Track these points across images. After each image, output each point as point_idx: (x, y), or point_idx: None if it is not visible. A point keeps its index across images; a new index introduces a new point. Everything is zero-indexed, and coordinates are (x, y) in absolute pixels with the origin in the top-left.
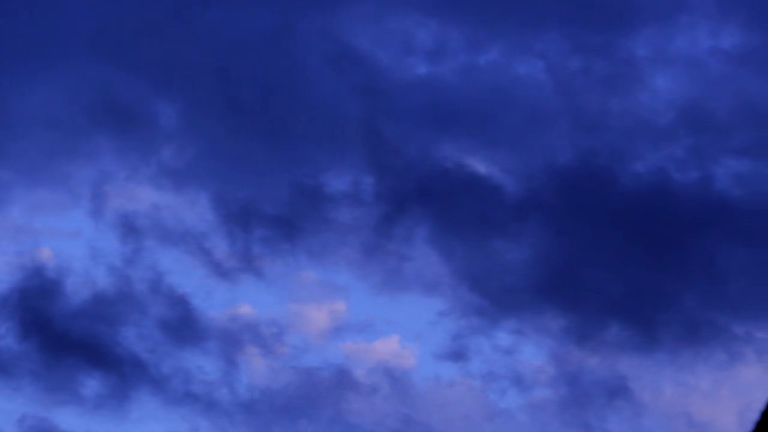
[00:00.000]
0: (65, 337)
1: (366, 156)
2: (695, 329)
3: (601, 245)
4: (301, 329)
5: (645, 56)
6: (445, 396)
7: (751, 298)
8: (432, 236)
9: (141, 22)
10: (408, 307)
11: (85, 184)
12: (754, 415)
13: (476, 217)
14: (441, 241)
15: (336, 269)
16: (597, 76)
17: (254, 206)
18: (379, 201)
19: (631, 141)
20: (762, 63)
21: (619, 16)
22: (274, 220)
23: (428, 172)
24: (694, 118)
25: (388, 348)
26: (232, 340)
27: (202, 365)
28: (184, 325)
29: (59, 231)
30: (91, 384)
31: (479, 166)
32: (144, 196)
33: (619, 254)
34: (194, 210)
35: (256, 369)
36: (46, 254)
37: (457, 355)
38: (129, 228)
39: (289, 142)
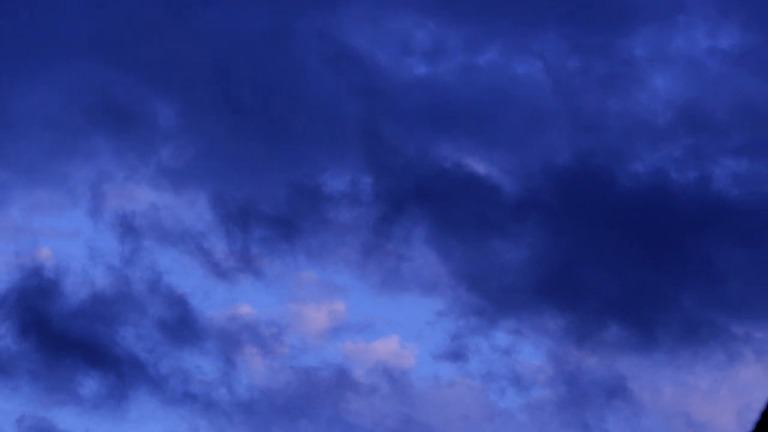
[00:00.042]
0: (64, 337)
1: (364, 156)
2: (694, 329)
3: (599, 245)
4: (300, 329)
5: (643, 56)
6: (444, 396)
7: (750, 298)
8: (430, 236)
9: (140, 23)
10: (407, 307)
11: (83, 184)
12: (753, 415)
13: (475, 217)
14: (439, 241)
15: (335, 269)
16: (595, 76)
17: (253, 206)
18: (378, 201)
19: (630, 141)
20: (760, 63)
21: (618, 16)
22: (273, 220)
23: (427, 172)
24: (693, 118)
25: (387, 348)
26: (230, 340)
27: (200, 365)
28: (182, 325)
29: (58, 231)
30: (90, 384)
31: (478, 166)
32: (142, 196)
33: (618, 254)
34: (193, 210)
35: (255, 369)
36: (44, 254)
37: (456, 355)
38: (127, 228)
39: (287, 142)
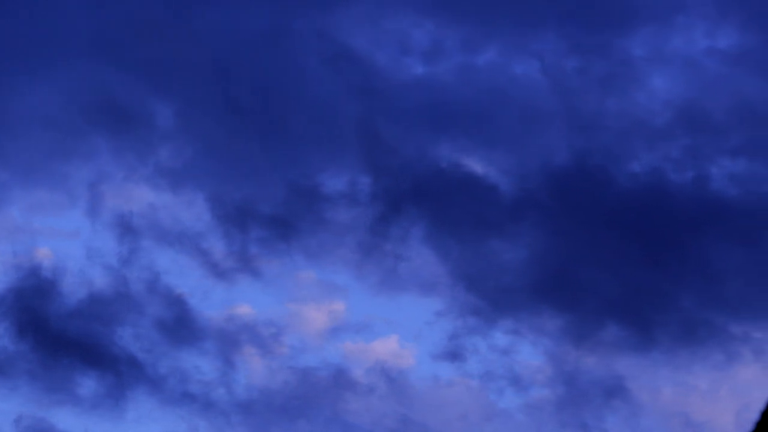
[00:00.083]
0: (62, 337)
1: (362, 156)
2: (692, 329)
3: (597, 245)
4: (299, 329)
5: (642, 56)
6: (443, 396)
7: (748, 297)
8: (428, 236)
9: (138, 23)
10: (405, 307)
11: (82, 185)
12: (751, 415)
13: (473, 217)
14: (437, 241)
15: (333, 269)
16: (593, 76)
17: (251, 206)
18: (376, 201)
19: (628, 141)
20: (758, 63)
21: (616, 16)
22: (271, 220)
23: (425, 172)
24: (691, 118)
25: (386, 348)
26: (229, 340)
27: (199, 365)
28: (180, 325)
29: (56, 231)
30: (88, 384)
31: (476, 166)
32: (141, 197)
33: (616, 254)
34: (191, 210)
35: (254, 369)
36: (43, 254)
37: (454, 355)
38: (126, 228)
39: (285, 142)
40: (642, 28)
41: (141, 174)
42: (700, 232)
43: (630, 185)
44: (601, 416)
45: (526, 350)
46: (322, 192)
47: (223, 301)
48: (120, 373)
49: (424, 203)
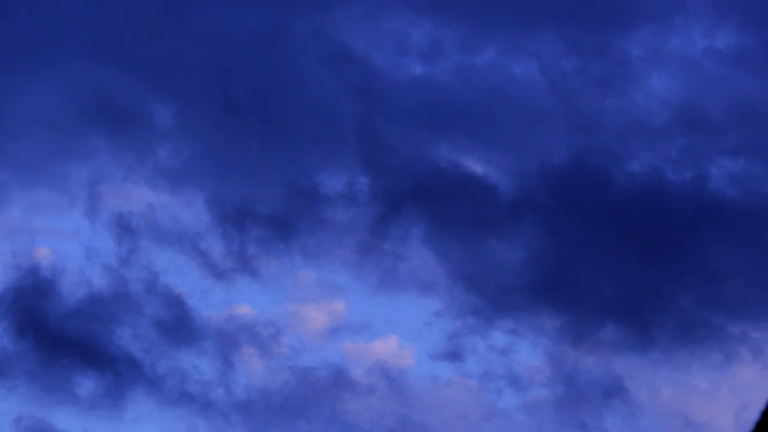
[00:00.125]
0: (61, 337)
1: (361, 156)
2: (691, 329)
3: (596, 245)
4: (298, 329)
5: (640, 56)
6: (442, 396)
7: (747, 297)
8: (427, 236)
9: (137, 23)
10: (404, 308)
11: (81, 185)
12: (750, 415)
13: (471, 217)
14: (436, 241)
15: (332, 269)
16: (592, 76)
17: (249, 206)
18: (375, 201)
19: (626, 141)
20: (756, 63)
21: (615, 16)
22: (270, 220)
23: (423, 172)
24: (689, 118)
25: (386, 348)
26: (227, 341)
27: (197, 365)
28: (179, 325)
29: (55, 231)
30: (87, 384)
31: (474, 166)
32: (139, 197)
33: (614, 254)
34: (190, 210)
35: (253, 369)
36: (41, 254)
37: (453, 355)
38: (124, 228)
39: (284, 142)
40: (641, 28)
41: (140, 174)
42: (699, 232)
43: (629, 185)
44: (600, 416)
45: (525, 350)
46: (321, 192)
47: (222, 301)
48: (119, 373)
49: (424, 203)
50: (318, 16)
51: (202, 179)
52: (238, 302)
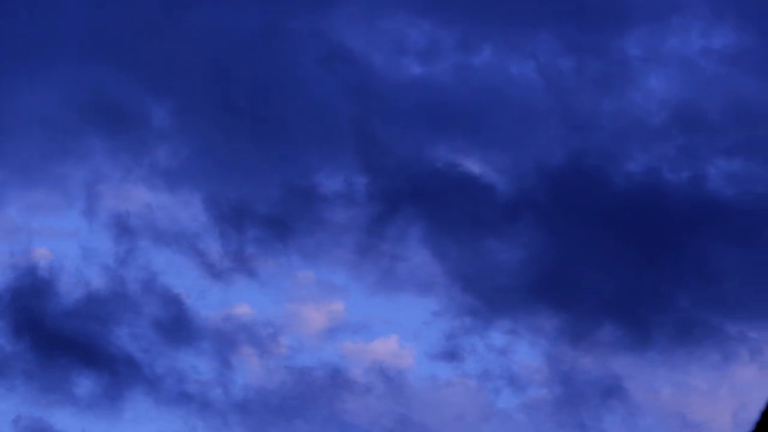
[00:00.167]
0: (59, 337)
1: (358, 156)
2: (689, 329)
3: (593, 245)
4: (297, 329)
5: (637, 56)
6: (440, 396)
7: (745, 297)
8: (425, 236)
9: (134, 23)
10: (402, 308)
11: (79, 185)
12: (749, 415)
13: (469, 217)
14: (434, 241)
15: (329, 269)
16: (589, 76)
17: (247, 206)
18: (372, 201)
19: (624, 141)
20: (754, 63)
21: (612, 16)
22: (267, 220)
23: (421, 172)
24: (687, 118)
25: (386, 348)
26: (225, 340)
27: (196, 365)
28: (177, 325)
29: (53, 231)
30: (85, 383)
31: (472, 166)
32: (137, 197)
33: (612, 254)
34: (187, 210)
35: (251, 369)
36: (39, 254)
37: (451, 355)
38: (122, 228)
39: (281, 142)
40: (638, 28)
41: (137, 174)
42: (697, 231)
43: (626, 185)
44: (599, 416)
45: (524, 350)
46: (319, 192)
47: (219, 301)
48: (117, 373)
49: (421, 203)
50: (315, 16)
51: (200, 179)
52: (236, 302)
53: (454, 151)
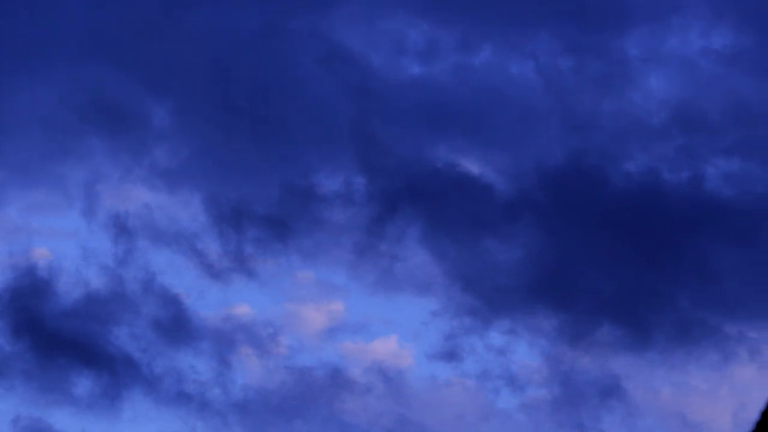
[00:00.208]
0: (58, 337)
1: (358, 156)
2: (687, 329)
3: (592, 245)
4: (296, 329)
5: (637, 56)
6: (440, 396)
7: (744, 297)
8: (424, 236)
9: (133, 23)
10: (401, 308)
11: (78, 185)
12: (748, 415)
13: (468, 217)
14: (433, 241)
15: (329, 269)
16: (589, 76)
17: (246, 206)
18: (371, 201)
19: (623, 141)
20: (753, 63)
21: (612, 16)
22: (266, 220)
23: (420, 172)
24: (686, 118)
25: (386, 348)
26: (224, 340)
27: (194, 365)
28: (176, 325)
29: (52, 231)
30: (84, 383)
31: (471, 166)
32: (137, 197)
33: (611, 254)
34: (187, 210)
35: (250, 369)
36: (38, 254)
37: (451, 355)
38: (122, 228)
39: (281, 142)
40: (637, 28)
41: (137, 174)
42: (696, 231)
43: (625, 185)
44: (598, 416)
45: (523, 350)
46: (318, 192)
47: (218, 301)
48: (116, 373)
49: (420, 203)
50: (315, 16)
51: (199, 179)
52: (236, 302)
53: (454, 151)
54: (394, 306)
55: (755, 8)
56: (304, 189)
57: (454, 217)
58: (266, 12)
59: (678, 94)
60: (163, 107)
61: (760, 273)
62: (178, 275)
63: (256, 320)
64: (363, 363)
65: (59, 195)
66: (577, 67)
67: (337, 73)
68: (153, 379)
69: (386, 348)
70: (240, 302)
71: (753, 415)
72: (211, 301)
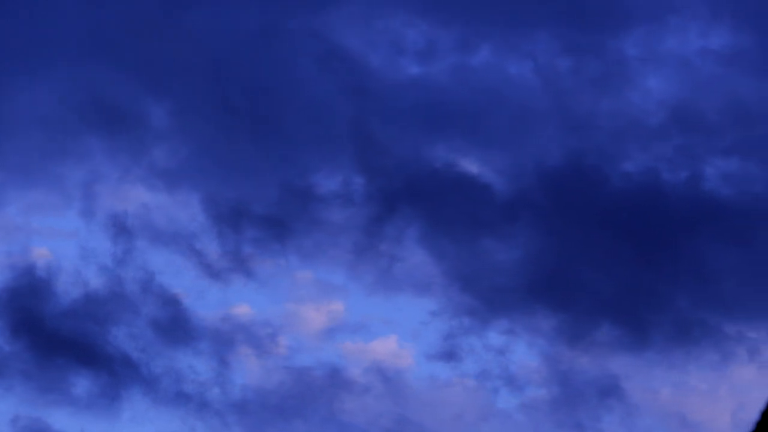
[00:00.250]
0: (56, 337)
1: (356, 156)
2: (687, 329)
3: (591, 245)
4: (295, 329)
5: (635, 56)
6: (439, 396)
7: (742, 297)
8: (423, 236)
9: (131, 23)
10: (401, 308)
11: (76, 185)
12: (748, 415)
13: (467, 217)
14: (432, 241)
15: (327, 269)
16: (587, 76)
17: (245, 206)
18: (370, 201)
19: (621, 141)
20: (751, 63)
21: (610, 16)
22: (265, 220)
23: (418, 172)
24: (684, 118)
25: (385, 348)
26: (223, 340)
27: (193, 365)
28: (175, 325)
29: (51, 231)
30: (83, 383)
31: (469, 166)
32: (135, 197)
33: (609, 254)
34: (185, 210)
35: (249, 369)
36: (37, 254)
37: (450, 355)
38: (120, 228)
39: (279, 142)
40: (635, 28)
41: (135, 174)
42: (694, 231)
43: (623, 185)
44: (597, 416)
45: (521, 350)
46: (316, 192)
47: (217, 301)
48: (115, 373)
49: (419, 203)
50: (313, 15)
51: (198, 179)
52: (234, 302)
53: (452, 151)
54: (394, 306)
55: (753, 8)
56: (303, 189)
57: (452, 217)
58: (265, 12)
59: (676, 94)
60: (162, 107)
61: (759, 273)
62: (177, 275)
63: (255, 320)
64: (362, 363)
65: (58, 195)
66: (576, 67)
67: (336, 73)
68: (152, 379)
69: (386, 348)
70: (239, 302)
71: (752, 414)
72: (210, 301)
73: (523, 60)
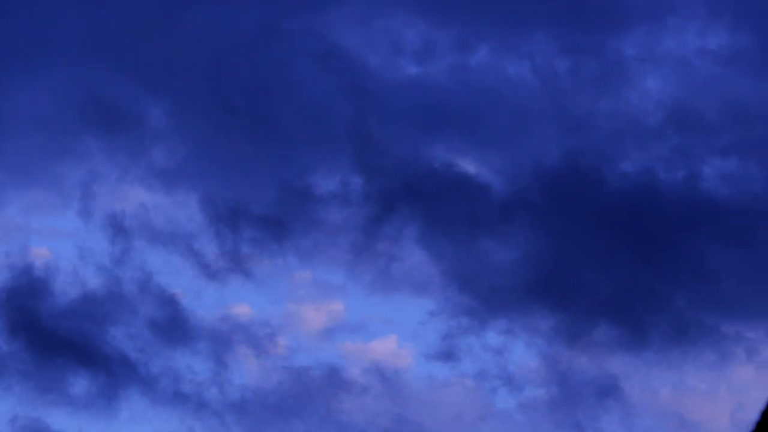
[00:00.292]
0: (54, 337)
1: (354, 156)
2: (685, 329)
3: (589, 245)
4: (294, 330)
5: (633, 56)
6: (437, 396)
7: (741, 297)
8: (421, 236)
9: (131, 23)
10: (399, 308)
11: (75, 185)
12: (746, 415)
13: (465, 217)
14: (430, 241)
15: (326, 270)
16: (585, 76)
17: (243, 206)
18: (368, 201)
19: (619, 141)
20: (749, 63)
21: (608, 16)
22: (263, 220)
23: (417, 172)
24: (682, 118)
25: (385, 348)
26: (222, 340)
27: (191, 365)
28: (173, 325)
29: (50, 231)
30: (81, 383)
31: (468, 166)
32: (133, 197)
33: (608, 254)
34: (183, 210)
35: (247, 369)
36: (35, 254)
37: (448, 355)
38: (118, 228)
39: (277, 142)
40: (634, 28)
41: (134, 174)
42: (692, 231)
43: (622, 185)
44: (596, 416)
45: (520, 350)
46: (315, 192)
47: (215, 302)
48: (113, 373)
49: (417, 203)
50: (311, 15)
51: (196, 179)
52: (233, 302)
53: (451, 151)
54: (392, 306)
55: (752, 9)
56: (301, 189)
57: (451, 217)
58: (264, 12)
59: (674, 94)
60: (160, 107)
61: (757, 273)
62: (175, 275)
63: (254, 320)
64: (361, 363)
65: (57, 195)
66: (574, 67)
67: (334, 73)
68: (150, 379)
69: (385, 348)
70: (237, 302)
71: (751, 415)
72: (208, 301)
73: (521, 60)
